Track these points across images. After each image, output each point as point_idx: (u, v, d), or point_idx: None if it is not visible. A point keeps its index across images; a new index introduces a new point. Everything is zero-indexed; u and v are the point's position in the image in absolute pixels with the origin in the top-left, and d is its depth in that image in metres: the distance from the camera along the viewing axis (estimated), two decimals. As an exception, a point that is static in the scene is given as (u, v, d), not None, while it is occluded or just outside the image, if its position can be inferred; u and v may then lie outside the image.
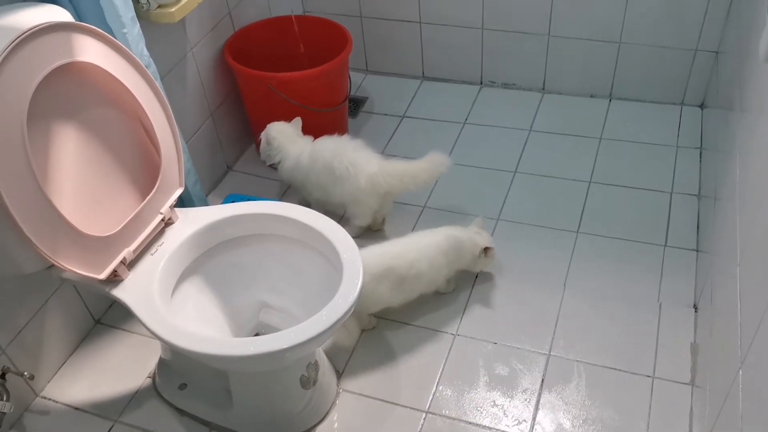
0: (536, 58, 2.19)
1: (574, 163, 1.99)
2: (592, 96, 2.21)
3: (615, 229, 1.78)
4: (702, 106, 2.10)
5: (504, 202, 1.90)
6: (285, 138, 1.83)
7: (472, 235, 1.63)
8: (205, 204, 1.76)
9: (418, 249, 1.54)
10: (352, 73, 2.20)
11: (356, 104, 2.31)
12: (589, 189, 1.91)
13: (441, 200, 1.91)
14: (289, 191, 2.02)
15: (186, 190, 1.64)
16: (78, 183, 1.17)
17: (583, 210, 1.85)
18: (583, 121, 2.12)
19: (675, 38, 1.99)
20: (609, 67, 2.12)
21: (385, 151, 2.09)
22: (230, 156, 2.11)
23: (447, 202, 1.82)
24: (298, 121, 1.86)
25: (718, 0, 1.87)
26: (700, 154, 1.96)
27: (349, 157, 1.71)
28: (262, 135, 1.85)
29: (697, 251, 1.70)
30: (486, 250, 1.62)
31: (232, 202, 1.77)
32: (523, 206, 1.88)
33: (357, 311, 1.46)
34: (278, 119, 1.96)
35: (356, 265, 1.25)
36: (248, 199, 1.78)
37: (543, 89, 2.26)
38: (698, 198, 1.83)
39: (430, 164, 1.70)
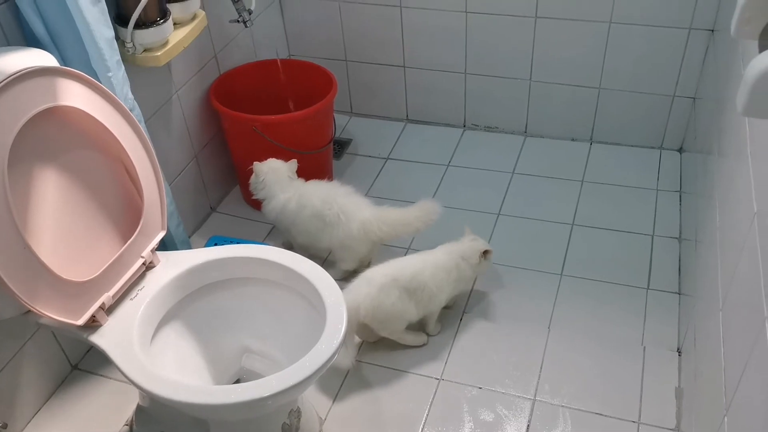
0: (518, 102, 2.23)
1: (557, 205, 2.00)
2: (573, 139, 2.24)
3: (598, 272, 1.78)
4: (681, 150, 2.14)
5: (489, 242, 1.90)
6: (275, 176, 1.81)
7: (470, 244, 1.66)
8: (188, 246, 1.74)
9: (421, 260, 1.61)
10: (336, 116, 2.22)
11: (341, 146, 2.33)
12: (572, 231, 1.92)
13: (426, 242, 1.90)
14: (273, 232, 2.01)
15: (168, 233, 1.63)
16: (58, 227, 1.16)
17: (566, 252, 1.86)
18: (565, 164, 2.15)
19: (653, 84, 2.04)
20: (590, 111, 2.16)
21: (370, 193, 2.10)
22: (214, 197, 2.11)
23: (432, 245, 1.81)
24: (293, 164, 1.84)
25: (695, 48, 1.93)
26: (680, 197, 1.99)
27: (339, 204, 1.71)
28: (255, 165, 1.82)
29: (679, 294, 1.70)
30: (485, 253, 1.65)
31: (215, 244, 1.76)
32: (507, 249, 1.88)
33: (365, 329, 1.58)
34: (261, 159, 1.97)
35: (340, 309, 1.24)
36: (231, 242, 1.77)
37: (525, 132, 2.29)
38: (679, 241, 1.85)
39: (422, 212, 1.70)
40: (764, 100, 0.61)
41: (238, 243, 1.76)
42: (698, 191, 1.69)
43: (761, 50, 0.67)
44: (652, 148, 2.17)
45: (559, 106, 2.19)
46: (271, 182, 1.80)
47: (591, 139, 2.22)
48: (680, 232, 1.87)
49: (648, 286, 1.74)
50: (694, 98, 2.01)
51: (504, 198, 2.06)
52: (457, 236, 1.92)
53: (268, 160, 1.84)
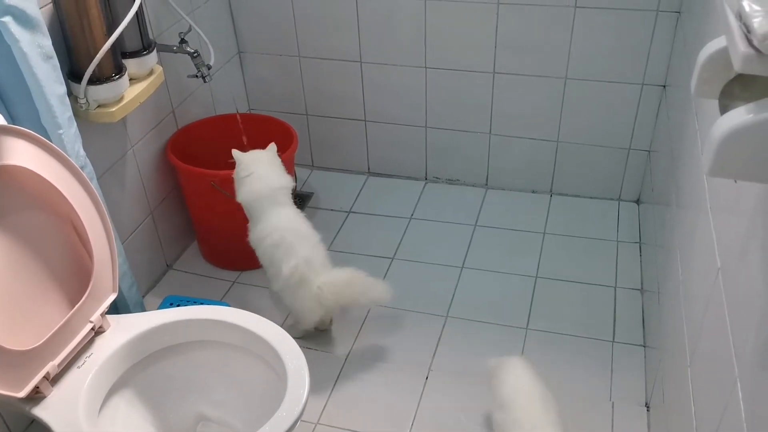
0: (479, 155, 2.25)
1: (519, 258, 2.00)
2: (533, 191, 2.26)
3: (563, 325, 1.77)
4: (638, 201, 2.18)
5: (452, 298, 1.88)
6: (259, 176, 1.65)
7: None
8: (142, 308, 1.67)
9: None
10: (297, 169, 2.20)
11: (302, 200, 2.29)
12: (536, 284, 1.91)
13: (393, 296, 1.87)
14: (232, 289, 1.95)
15: (120, 294, 1.56)
16: (1, 293, 1.09)
17: (531, 306, 1.84)
18: (527, 216, 2.16)
19: (609, 137, 2.08)
20: (549, 163, 2.19)
21: (332, 247, 2.06)
22: (170, 254, 2.04)
23: (396, 300, 1.78)
24: (275, 153, 1.71)
25: (648, 103, 1.98)
26: (640, 248, 2.01)
27: (300, 255, 1.60)
28: (240, 156, 1.67)
29: (644, 347, 1.70)
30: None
31: (171, 304, 1.70)
32: (471, 302, 1.86)
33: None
34: (220, 216, 1.93)
35: (302, 374, 1.18)
36: (188, 302, 1.71)
37: (486, 185, 2.30)
38: (641, 292, 1.86)
39: (374, 290, 1.62)
40: (730, 161, 0.61)
41: (194, 302, 1.69)
42: (658, 242, 1.71)
43: (722, 111, 0.67)
44: (611, 199, 2.20)
45: (518, 159, 2.21)
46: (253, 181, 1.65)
47: (551, 190, 2.25)
48: (642, 284, 1.88)
49: (613, 339, 1.73)
50: (649, 151, 2.06)
51: (467, 251, 2.05)
52: (421, 290, 1.90)
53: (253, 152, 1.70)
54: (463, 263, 2.00)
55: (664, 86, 1.94)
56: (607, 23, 1.89)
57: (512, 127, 2.16)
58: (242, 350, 1.30)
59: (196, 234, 2.08)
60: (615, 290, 1.87)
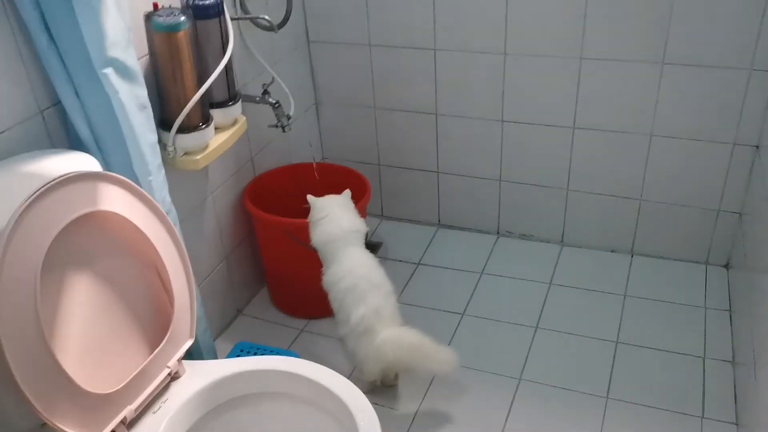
0: (555, 211, 2.19)
1: (598, 320, 1.91)
2: (612, 251, 2.18)
3: (647, 396, 1.66)
4: (727, 266, 2.06)
5: (526, 360, 1.81)
6: (334, 221, 1.66)
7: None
8: (213, 353, 1.67)
9: None
10: (368, 219, 2.19)
11: (372, 249, 2.26)
12: (616, 350, 1.81)
13: (461, 353, 1.80)
14: (300, 337, 1.94)
15: (194, 339, 1.56)
16: (85, 336, 1.10)
17: (611, 373, 1.74)
18: (606, 276, 2.08)
19: (696, 198, 1.99)
20: (630, 222, 2.11)
21: (400, 299, 2.01)
22: (241, 299, 2.05)
23: (466, 359, 1.72)
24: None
25: (739, 163, 1.89)
26: (730, 317, 1.89)
27: (370, 304, 1.57)
28: (315, 200, 1.70)
29: (737, 425, 1.57)
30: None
31: (241, 351, 1.69)
32: (546, 366, 1.78)
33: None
34: (292, 263, 1.93)
35: (375, 435, 1.14)
36: (258, 349, 1.70)
37: (562, 242, 2.23)
38: (733, 365, 1.73)
39: (442, 359, 1.55)
40: None
41: (264, 350, 1.69)
42: (752, 311, 1.60)
43: None
44: (697, 263, 2.09)
45: (597, 216, 2.14)
46: (326, 224, 1.66)
47: (632, 250, 2.16)
48: (733, 355, 1.76)
49: (702, 414, 1.61)
50: (740, 213, 1.95)
51: (542, 310, 1.97)
52: (493, 350, 1.84)
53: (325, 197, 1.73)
54: (537, 323, 1.93)
55: (757, 147, 1.85)
56: (696, 80, 1.83)
57: (592, 183, 2.10)
58: (314, 405, 1.27)
59: (267, 280, 2.09)
60: (703, 361, 1.76)
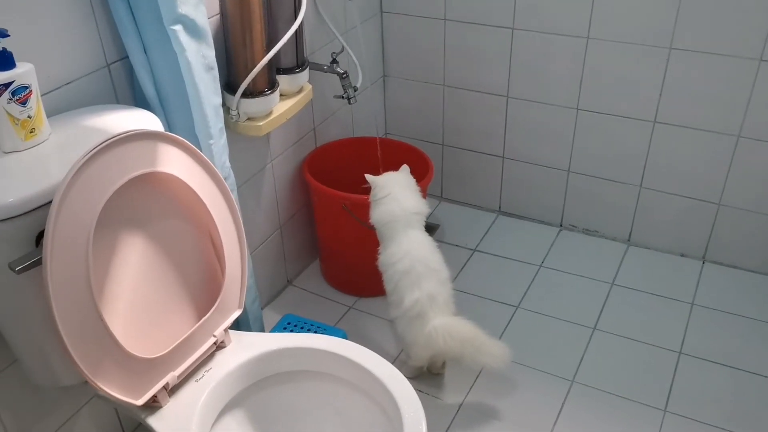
0: (624, 208, 2.07)
1: (662, 327, 1.81)
2: (683, 255, 2.05)
3: (709, 413, 1.56)
4: (809, 282, 1.92)
5: (580, 361, 1.72)
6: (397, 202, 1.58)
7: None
8: (261, 323, 1.65)
9: None
10: (427, 199, 2.13)
11: (428, 231, 2.20)
12: (679, 360, 1.71)
13: (512, 347, 1.72)
14: (348, 314, 1.90)
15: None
16: (134, 299, 1.09)
17: (671, 385, 1.65)
18: (673, 281, 1.96)
19: (781, 207, 1.85)
20: (705, 227, 1.98)
21: (453, 286, 1.96)
22: (292, 270, 2.03)
23: (518, 354, 1.65)
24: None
25: (834, 173, 1.74)
26: (809, 337, 1.75)
27: (425, 290, 1.51)
28: (374, 179, 1.62)
29: (808, 455, 1.46)
30: None
31: (288, 324, 1.67)
32: (602, 370, 1.69)
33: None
34: (347, 239, 1.89)
35: (419, 428, 1.09)
36: (305, 323, 1.67)
37: (628, 241, 2.12)
38: (809, 390, 1.61)
39: (494, 356, 1.48)
40: None
41: (311, 325, 1.66)
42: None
43: None
44: (774, 276, 1.95)
45: (670, 217, 2.02)
46: (388, 203, 1.59)
47: (704, 257, 2.03)
48: (809, 380, 1.63)
49: (770, 439, 1.51)
50: (830, 228, 1.80)
51: (601, 311, 1.88)
52: (547, 348, 1.76)
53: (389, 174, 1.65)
54: (596, 324, 1.84)
55: None
56: (797, 80, 1.68)
57: (667, 182, 1.97)
58: (359, 389, 1.23)
59: (320, 253, 2.06)
60: (775, 382, 1.64)
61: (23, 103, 1.02)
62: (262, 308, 1.90)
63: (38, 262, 0.95)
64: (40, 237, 0.98)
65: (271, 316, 1.87)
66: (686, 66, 1.78)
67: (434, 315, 1.50)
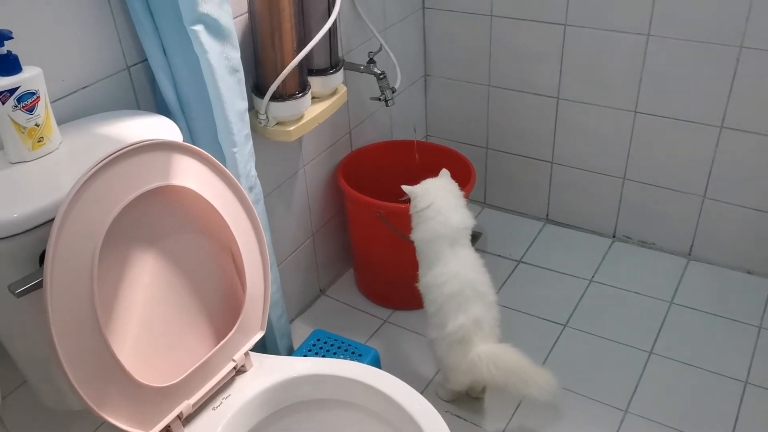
0: (685, 219, 1.91)
1: (726, 353, 1.65)
2: (749, 272, 1.88)
3: (781, 455, 1.41)
4: None
5: (635, 390, 1.58)
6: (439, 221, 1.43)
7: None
8: (288, 338, 1.57)
9: None
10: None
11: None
12: (744, 391, 1.55)
13: (559, 371, 1.59)
14: (381, 329, 1.80)
15: (268, 323, 1.46)
16: (146, 322, 1.01)
17: (736, 419, 1.49)
18: (738, 301, 1.79)
19: None
20: (775, 243, 1.80)
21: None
22: (325, 279, 1.94)
23: (564, 378, 1.52)
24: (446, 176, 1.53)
25: None
26: None
27: (471, 314, 1.39)
28: (412, 189, 1.48)
29: None
30: None
31: (317, 340, 1.57)
32: (659, 400, 1.55)
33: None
34: (382, 249, 1.79)
35: (453, 472, 0.98)
36: (335, 340, 1.58)
37: (689, 255, 1.95)
38: None
39: (540, 388, 1.35)
40: None
41: (341, 342, 1.56)
42: None
43: None
44: None
45: (735, 231, 1.84)
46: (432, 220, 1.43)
47: (773, 275, 1.85)
48: None
49: None
50: None
51: (658, 333, 1.73)
52: (597, 372, 1.63)
53: (431, 182, 1.50)
54: (652, 348, 1.69)
55: None
56: None
57: (734, 194, 1.80)
58: (389, 424, 1.12)
59: (354, 263, 1.96)
60: None
61: (30, 110, 0.95)
62: (292, 320, 1.82)
63: (40, 285, 0.87)
64: (43, 257, 0.91)
65: (302, 329, 1.78)
66: (758, 67, 1.61)
67: (478, 341, 1.38)
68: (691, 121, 1.77)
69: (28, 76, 0.94)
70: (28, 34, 1.00)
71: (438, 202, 1.44)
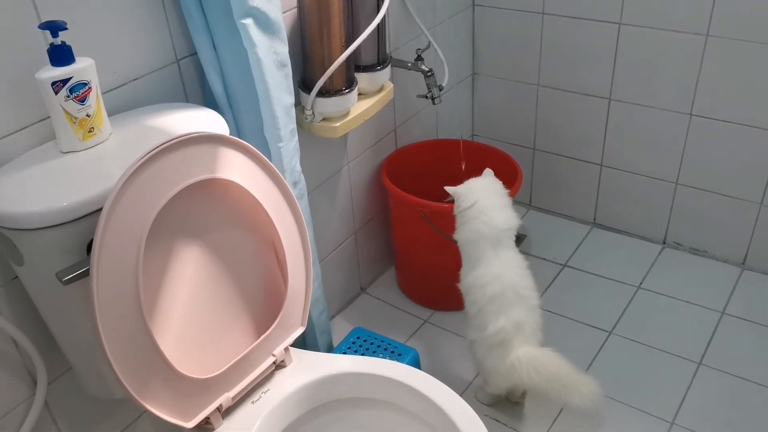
0: (740, 227, 1.83)
1: (781, 368, 1.58)
2: (808, 284, 1.79)
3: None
4: None
5: (682, 401, 1.52)
6: (484, 220, 1.40)
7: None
8: (329, 335, 1.56)
9: None
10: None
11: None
12: (800, 409, 1.48)
13: (603, 378, 1.53)
14: (422, 329, 1.78)
15: (309, 320, 1.46)
16: (188, 314, 1.01)
17: (791, 437, 1.42)
18: (795, 314, 1.71)
19: None
20: (838, 255, 1.72)
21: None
22: (366, 277, 1.93)
23: (608, 386, 1.47)
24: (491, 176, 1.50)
25: None
26: None
27: (513, 317, 1.36)
28: (456, 189, 1.45)
29: None
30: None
31: (357, 338, 1.57)
32: (707, 412, 1.49)
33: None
34: (425, 248, 1.77)
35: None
36: (375, 338, 1.57)
37: (743, 264, 1.88)
38: None
39: (583, 396, 1.31)
40: None
41: (381, 341, 1.55)
42: None
43: None
44: None
45: (795, 241, 1.77)
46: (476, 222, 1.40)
47: (834, 289, 1.77)
48: None
49: None
50: None
51: (709, 343, 1.66)
52: (643, 381, 1.57)
53: (474, 182, 1.47)
54: (702, 359, 1.62)
55: None
56: None
57: (795, 202, 1.72)
58: (426, 425, 1.10)
59: (396, 261, 1.95)
60: None
61: (82, 100, 0.96)
62: (332, 317, 1.81)
63: (87, 273, 0.89)
64: (91, 245, 0.92)
65: (342, 326, 1.78)
66: (827, 68, 1.54)
67: (519, 344, 1.35)
68: (749, 125, 1.69)
69: (81, 67, 0.95)
70: (82, 25, 1.01)
71: (482, 201, 1.41)
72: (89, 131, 0.99)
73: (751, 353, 1.62)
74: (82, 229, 0.92)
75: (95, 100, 0.98)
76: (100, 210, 0.87)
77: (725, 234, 1.87)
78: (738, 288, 1.82)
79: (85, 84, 0.96)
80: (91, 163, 0.99)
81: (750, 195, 1.78)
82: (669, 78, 1.76)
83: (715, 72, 1.68)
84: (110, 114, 1.05)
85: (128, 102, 1.12)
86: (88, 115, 0.98)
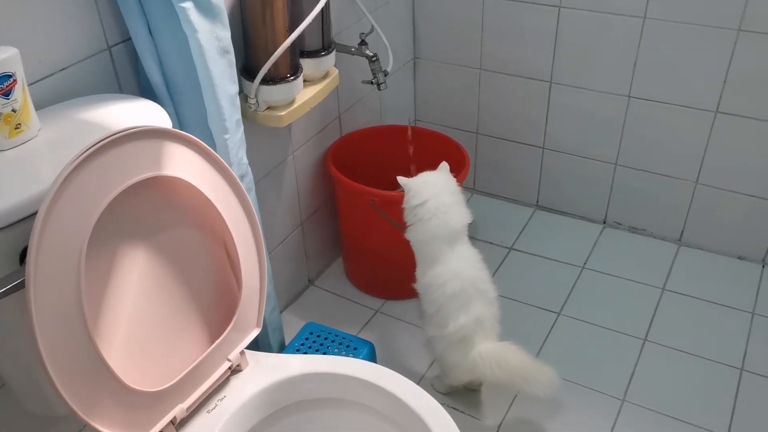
0: (676, 205, 1.89)
1: (720, 340, 1.64)
2: (740, 258, 1.87)
3: (780, 443, 1.40)
4: None
5: (631, 378, 1.56)
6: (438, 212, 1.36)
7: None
8: (281, 332, 1.51)
9: None
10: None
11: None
12: (741, 378, 1.54)
13: (555, 360, 1.55)
14: (373, 320, 1.75)
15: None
16: (136, 322, 0.94)
17: (734, 406, 1.48)
18: (731, 287, 1.78)
19: None
20: (766, 228, 1.79)
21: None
22: (314, 269, 1.88)
23: (561, 368, 1.48)
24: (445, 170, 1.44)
25: None
26: None
27: (473, 314, 1.34)
28: (408, 182, 1.40)
29: None
30: None
31: (310, 334, 1.52)
32: (655, 388, 1.53)
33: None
34: (374, 238, 1.73)
35: (463, 473, 0.95)
36: (329, 333, 1.52)
37: (680, 240, 1.94)
38: None
39: (542, 385, 1.31)
40: None
41: (336, 336, 1.51)
42: None
43: None
44: None
45: (728, 217, 1.83)
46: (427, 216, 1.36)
47: (764, 261, 1.85)
48: None
49: None
50: None
51: (652, 319, 1.71)
52: (592, 360, 1.60)
53: (426, 176, 1.42)
54: (646, 335, 1.67)
55: None
56: None
57: (727, 179, 1.78)
58: (391, 422, 1.08)
59: (344, 251, 1.90)
60: None
61: (6, 94, 0.87)
62: (281, 311, 1.76)
63: (21, 285, 0.80)
64: (24, 254, 0.84)
65: (292, 322, 1.73)
66: (755, 51, 1.59)
67: (480, 340, 1.34)
68: (686, 106, 1.74)
69: (4, 57, 0.86)
70: (1, 12, 0.91)
71: (432, 201, 1.36)
72: (16, 128, 0.90)
73: (692, 328, 1.68)
74: (13, 237, 0.83)
75: (21, 94, 0.89)
76: (33, 215, 0.79)
77: (662, 212, 1.93)
78: (676, 264, 1.88)
79: (10, 76, 0.87)
80: (21, 163, 0.90)
81: (686, 174, 1.83)
82: (608, 61, 1.78)
83: (652, 54, 1.71)
84: (37, 108, 0.96)
85: (56, 94, 1.03)
86: (13, 110, 0.88)
